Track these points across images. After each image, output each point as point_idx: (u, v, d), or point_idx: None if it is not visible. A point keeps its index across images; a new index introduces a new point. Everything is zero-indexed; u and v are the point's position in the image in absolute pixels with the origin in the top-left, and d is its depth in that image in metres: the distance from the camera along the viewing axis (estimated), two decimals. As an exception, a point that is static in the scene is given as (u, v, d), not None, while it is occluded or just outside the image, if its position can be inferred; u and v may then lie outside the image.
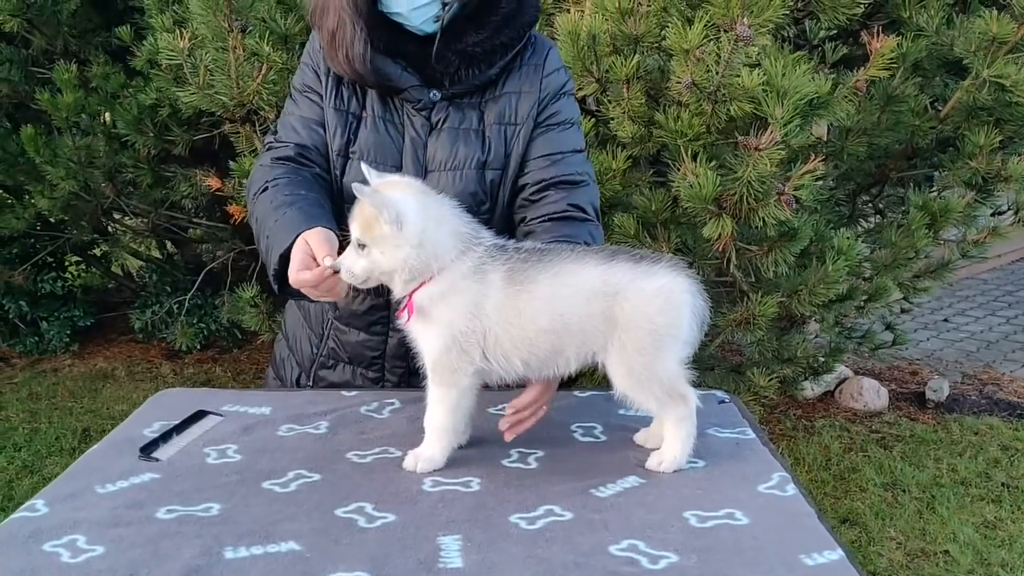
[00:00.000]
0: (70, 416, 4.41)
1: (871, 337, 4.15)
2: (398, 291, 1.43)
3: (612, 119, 2.86)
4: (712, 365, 3.39)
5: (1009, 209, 3.63)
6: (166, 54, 3.18)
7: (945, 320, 5.98)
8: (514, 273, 1.38)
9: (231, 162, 3.42)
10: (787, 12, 2.58)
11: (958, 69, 3.30)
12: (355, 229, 1.40)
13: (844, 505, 3.58)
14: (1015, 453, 4.02)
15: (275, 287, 1.57)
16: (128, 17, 4.20)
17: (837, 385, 4.63)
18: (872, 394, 4.54)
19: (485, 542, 1.21)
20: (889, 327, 4.33)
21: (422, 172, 1.69)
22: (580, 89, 2.82)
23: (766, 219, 2.62)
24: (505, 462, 1.47)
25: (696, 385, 1.45)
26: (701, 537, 1.23)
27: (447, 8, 1.65)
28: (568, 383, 1.63)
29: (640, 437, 1.53)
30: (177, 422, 1.61)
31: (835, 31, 3.18)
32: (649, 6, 2.76)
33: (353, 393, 1.78)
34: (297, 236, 1.49)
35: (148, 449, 1.50)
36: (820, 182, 2.76)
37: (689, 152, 2.67)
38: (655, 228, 2.88)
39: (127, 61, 4.14)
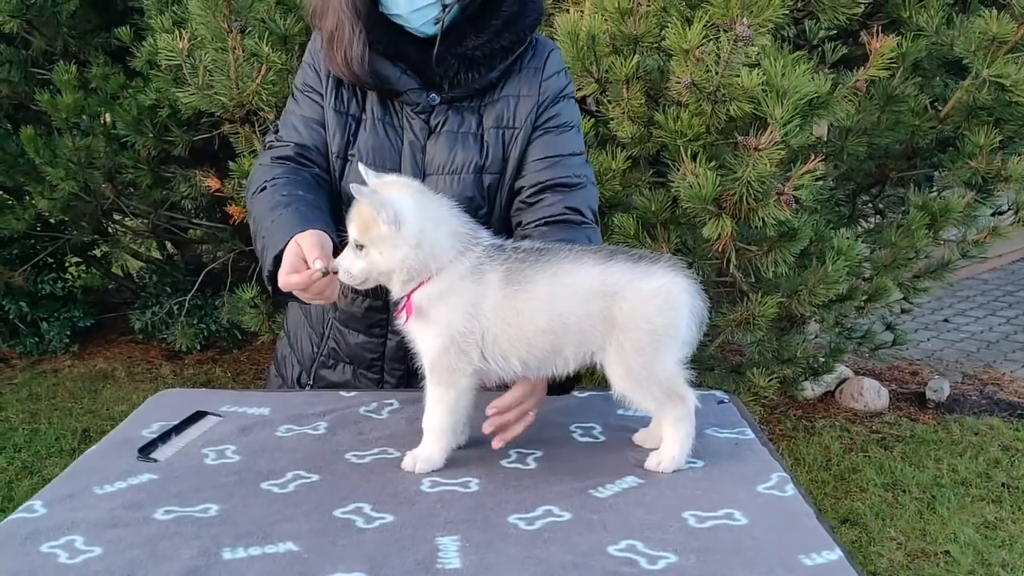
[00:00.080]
0: (70, 417, 4.41)
1: (871, 337, 4.15)
2: (396, 292, 1.43)
3: (612, 119, 2.86)
4: (712, 365, 3.39)
5: (1009, 209, 3.63)
6: (165, 55, 3.18)
7: (945, 320, 5.98)
8: (512, 273, 1.38)
9: (231, 163, 3.41)
10: (787, 12, 2.58)
11: (958, 69, 3.30)
12: (353, 230, 1.40)
13: (844, 505, 3.58)
14: (1015, 453, 4.02)
15: (269, 289, 1.56)
16: (128, 18, 4.20)
17: (837, 385, 4.63)
18: (872, 394, 4.54)
19: (483, 542, 1.21)
20: (889, 327, 4.33)
21: (420, 176, 1.68)
22: (580, 89, 2.82)
23: (766, 219, 2.62)
24: (504, 463, 1.47)
25: (696, 385, 1.44)
26: (700, 537, 1.23)
27: (447, 10, 1.64)
28: (564, 389, 1.62)
29: (639, 437, 1.53)
30: (176, 423, 1.61)
31: (835, 31, 3.18)
32: (648, 6, 2.76)
33: (352, 394, 1.77)
34: (291, 238, 1.48)
35: (147, 450, 1.50)
36: (820, 182, 2.76)
37: (689, 152, 2.67)
38: (655, 228, 2.88)
39: (127, 62, 4.14)
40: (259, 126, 3.28)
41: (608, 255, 1.40)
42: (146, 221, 5.03)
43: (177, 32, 3.11)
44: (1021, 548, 3.26)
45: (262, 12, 3.09)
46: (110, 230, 5.28)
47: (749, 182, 2.55)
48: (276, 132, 1.80)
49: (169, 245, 5.57)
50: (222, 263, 4.79)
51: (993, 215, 3.61)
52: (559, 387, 1.58)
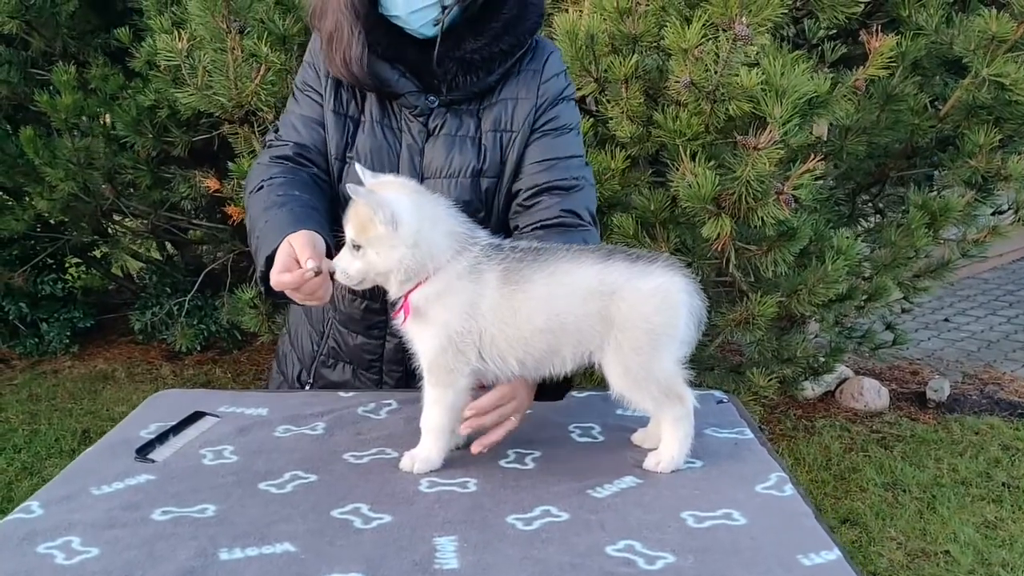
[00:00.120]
0: (70, 418, 4.41)
1: (871, 337, 4.15)
2: (394, 292, 1.42)
3: (611, 119, 2.85)
4: (712, 365, 3.38)
5: (1009, 208, 3.63)
6: (164, 55, 3.18)
7: (946, 320, 5.97)
8: (510, 273, 1.38)
9: (230, 163, 3.41)
10: (786, 11, 2.58)
11: (957, 68, 3.29)
12: (350, 230, 1.39)
13: (844, 505, 3.57)
14: (1016, 453, 4.02)
15: (262, 288, 1.56)
16: (127, 18, 4.20)
17: (838, 385, 4.62)
18: (873, 394, 4.54)
19: (481, 543, 1.21)
20: (889, 327, 4.33)
21: (418, 179, 1.67)
22: (579, 89, 2.82)
23: (765, 219, 2.61)
24: (502, 463, 1.46)
25: (695, 385, 1.44)
26: (698, 537, 1.23)
27: (446, 11, 1.63)
28: (558, 395, 1.60)
29: (638, 437, 1.53)
30: (174, 423, 1.61)
31: (834, 30, 3.18)
32: (647, 5, 2.76)
33: (350, 394, 1.77)
34: (283, 238, 1.47)
35: (144, 450, 1.50)
36: (819, 181, 2.76)
37: (688, 152, 2.67)
38: (654, 228, 2.87)
39: (126, 62, 4.14)
40: (258, 126, 3.28)
41: (606, 254, 1.40)
42: (146, 222, 5.03)
43: (176, 33, 3.11)
44: (1021, 548, 3.25)
45: (261, 12, 3.09)
46: (110, 231, 5.28)
47: (748, 181, 2.54)
48: (276, 131, 1.80)
49: (169, 246, 5.57)
50: (222, 264, 4.79)
51: (993, 214, 3.61)
52: (553, 393, 1.58)
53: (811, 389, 4.44)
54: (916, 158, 3.60)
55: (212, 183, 3.60)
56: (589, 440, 1.57)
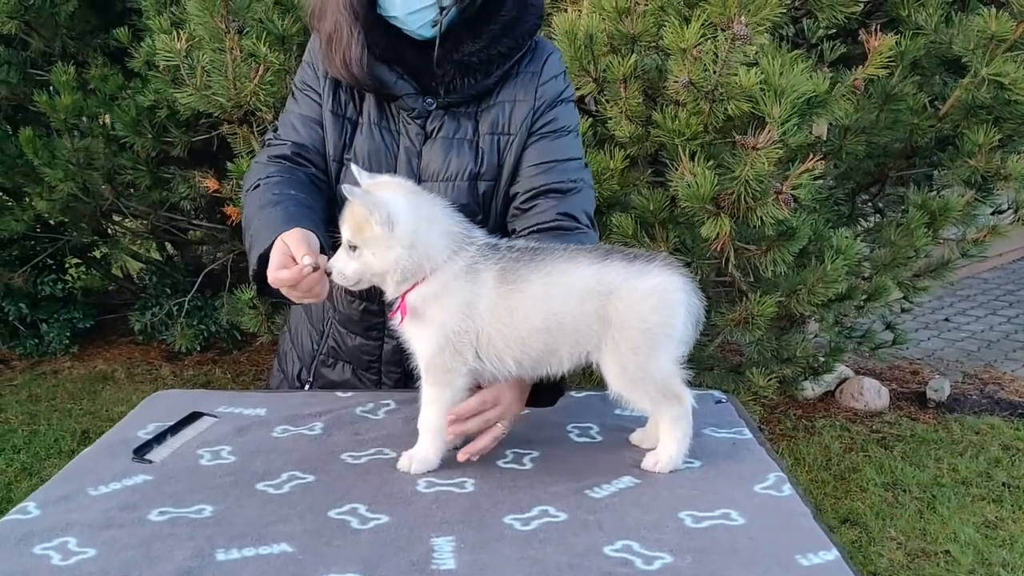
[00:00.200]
0: (69, 418, 4.41)
1: (871, 337, 4.14)
2: (391, 292, 1.42)
3: (610, 119, 2.85)
4: (711, 365, 3.38)
5: (1009, 208, 3.62)
6: (163, 55, 3.18)
7: (946, 319, 5.97)
8: (507, 272, 1.38)
9: (229, 163, 3.41)
10: (784, 11, 2.57)
11: (957, 67, 3.29)
12: (346, 231, 1.39)
13: (845, 505, 3.57)
14: (1016, 453, 4.01)
15: (255, 288, 1.56)
16: (126, 19, 4.20)
17: (838, 385, 4.62)
18: (873, 394, 4.53)
19: (478, 543, 1.21)
20: (889, 327, 4.32)
21: (415, 182, 1.66)
22: (577, 89, 2.82)
23: (764, 218, 2.61)
24: (500, 463, 1.46)
25: (695, 385, 1.44)
26: (696, 537, 1.22)
27: (444, 12, 1.62)
28: (550, 401, 1.59)
29: (636, 437, 1.52)
30: (171, 423, 1.60)
31: (833, 30, 3.18)
32: (646, 5, 2.75)
33: (348, 394, 1.77)
34: (276, 237, 1.46)
35: (142, 451, 1.50)
36: (819, 181, 2.75)
37: (687, 151, 2.66)
38: (653, 228, 2.87)
39: (125, 63, 4.13)
40: (257, 127, 3.28)
41: (603, 254, 1.39)
42: (145, 222, 5.03)
43: (175, 33, 3.11)
44: (1022, 548, 3.25)
45: (260, 12, 3.09)
46: (109, 231, 5.28)
47: (747, 181, 2.54)
48: (275, 130, 1.79)
49: (169, 246, 5.57)
50: (221, 264, 4.78)
51: (993, 214, 3.60)
52: (546, 398, 1.57)
53: (811, 389, 4.43)
54: (915, 158, 3.59)
55: (211, 183, 3.59)
56: (587, 440, 1.56)
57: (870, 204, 4.02)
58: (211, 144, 4.07)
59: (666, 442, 1.42)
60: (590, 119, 2.91)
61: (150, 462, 1.47)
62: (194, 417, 1.65)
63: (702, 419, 1.53)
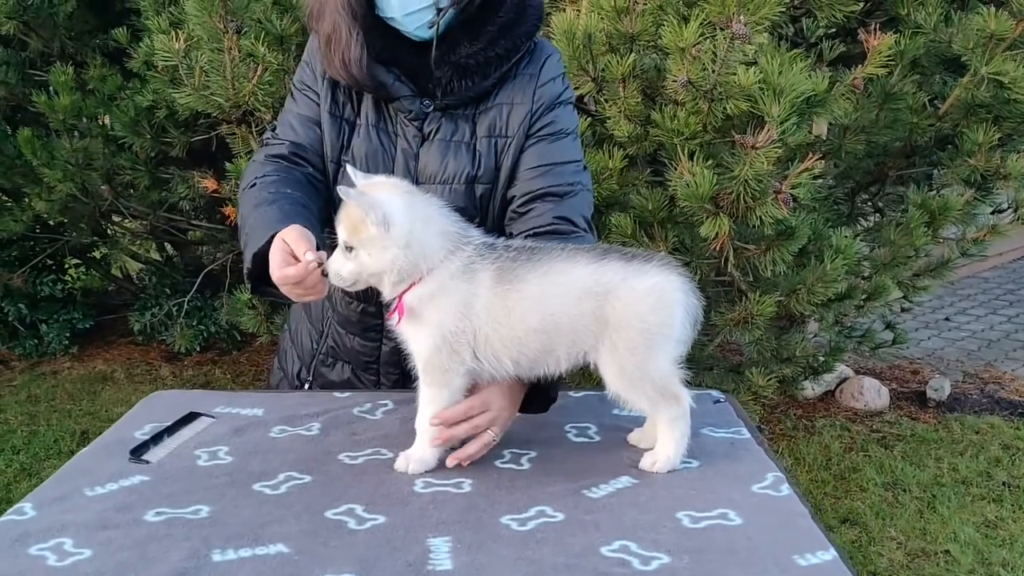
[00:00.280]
0: (69, 419, 4.41)
1: (871, 336, 4.14)
2: (387, 293, 1.42)
3: (608, 118, 2.85)
4: (711, 365, 3.37)
5: (1009, 207, 3.62)
6: (162, 56, 3.17)
7: (946, 319, 5.96)
8: (503, 272, 1.37)
9: (228, 164, 3.41)
10: (784, 10, 2.57)
11: (956, 66, 3.28)
12: (342, 232, 1.38)
13: (844, 505, 3.56)
14: (1016, 452, 4.01)
15: (249, 286, 1.55)
16: (125, 19, 4.19)
17: (838, 384, 4.61)
18: (873, 393, 4.53)
19: (475, 543, 1.21)
20: (889, 326, 4.31)
21: (413, 184, 1.66)
22: (576, 88, 2.81)
23: (764, 218, 2.60)
24: (497, 463, 1.46)
25: (695, 385, 1.43)
26: (694, 538, 1.22)
27: (441, 13, 1.60)
28: (543, 407, 1.58)
29: (634, 437, 1.52)
30: (168, 424, 1.60)
31: (832, 29, 3.17)
32: (645, 4, 2.75)
33: (346, 394, 1.77)
34: (273, 235, 1.45)
35: (138, 451, 1.50)
36: (818, 180, 2.75)
37: (686, 151, 2.66)
38: (652, 227, 2.87)
39: (124, 63, 4.13)
40: (256, 127, 3.27)
41: (601, 254, 1.39)
42: (145, 222, 5.03)
43: (174, 33, 3.11)
44: (1022, 547, 3.24)
45: (258, 12, 3.09)
46: (109, 231, 5.28)
47: (746, 181, 2.53)
48: (274, 130, 1.79)
49: (168, 246, 5.57)
50: (221, 264, 4.78)
51: (993, 213, 3.60)
52: (540, 404, 1.56)
53: (811, 389, 4.43)
54: (915, 157, 3.59)
55: (210, 184, 3.59)
56: (585, 440, 1.56)
57: (870, 203, 4.02)
58: (210, 144, 4.07)
59: (664, 442, 1.42)
60: (589, 119, 2.91)
61: (147, 463, 1.47)
62: (191, 417, 1.64)
63: (700, 419, 1.52)
